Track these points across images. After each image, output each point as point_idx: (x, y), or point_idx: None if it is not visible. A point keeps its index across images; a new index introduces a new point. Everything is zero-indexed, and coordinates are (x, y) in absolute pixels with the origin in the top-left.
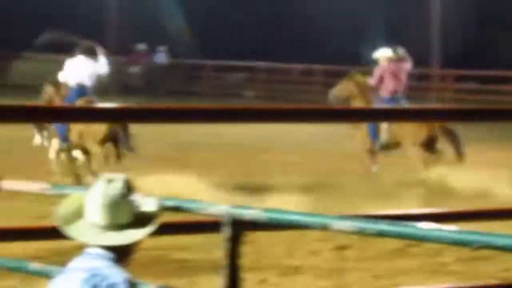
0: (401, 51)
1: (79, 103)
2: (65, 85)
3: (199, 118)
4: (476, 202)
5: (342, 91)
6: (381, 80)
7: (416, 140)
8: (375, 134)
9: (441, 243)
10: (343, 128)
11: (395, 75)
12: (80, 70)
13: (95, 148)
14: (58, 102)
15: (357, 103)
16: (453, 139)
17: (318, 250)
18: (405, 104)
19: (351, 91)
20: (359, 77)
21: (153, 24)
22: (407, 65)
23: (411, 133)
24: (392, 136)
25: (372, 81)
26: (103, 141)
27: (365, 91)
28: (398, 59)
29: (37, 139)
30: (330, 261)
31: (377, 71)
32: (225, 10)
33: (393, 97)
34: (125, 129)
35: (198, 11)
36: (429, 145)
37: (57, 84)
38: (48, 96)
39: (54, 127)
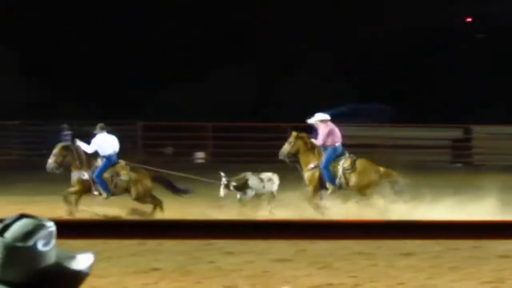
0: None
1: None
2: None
3: None
4: None
5: (292, 148)
6: (326, 137)
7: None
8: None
9: None
10: None
11: (332, 132)
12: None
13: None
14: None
15: (305, 157)
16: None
17: None
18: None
19: (299, 148)
20: (304, 136)
21: None
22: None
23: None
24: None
25: (319, 141)
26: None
27: (312, 147)
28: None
29: None
30: None
31: (322, 131)
32: None
33: (336, 148)
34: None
35: None
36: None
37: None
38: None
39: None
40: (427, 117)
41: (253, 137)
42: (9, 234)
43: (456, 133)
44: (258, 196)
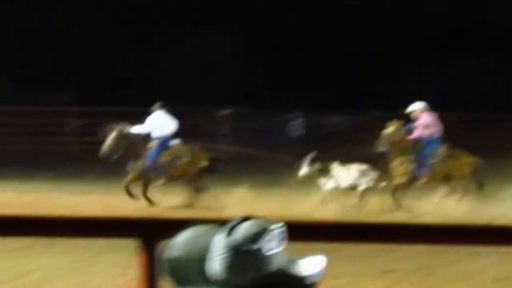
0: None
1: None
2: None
3: None
4: None
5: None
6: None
7: None
8: None
9: None
10: None
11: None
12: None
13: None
14: None
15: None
16: None
17: None
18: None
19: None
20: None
21: None
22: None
23: None
24: None
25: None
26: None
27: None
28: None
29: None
30: None
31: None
32: None
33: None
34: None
35: None
36: None
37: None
38: None
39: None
40: None
41: None
42: (235, 236)
43: None
44: (352, 189)
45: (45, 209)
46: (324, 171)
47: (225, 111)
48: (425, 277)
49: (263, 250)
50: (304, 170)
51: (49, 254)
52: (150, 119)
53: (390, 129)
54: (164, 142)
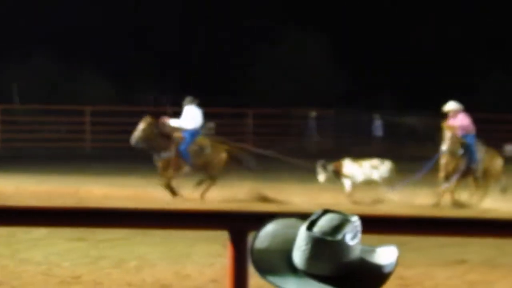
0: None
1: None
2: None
3: None
4: None
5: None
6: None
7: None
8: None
9: None
10: None
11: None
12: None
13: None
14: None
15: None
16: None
17: None
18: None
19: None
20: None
21: None
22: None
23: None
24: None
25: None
26: (226, 166)
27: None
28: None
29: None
30: None
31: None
32: None
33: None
34: (245, 151)
35: None
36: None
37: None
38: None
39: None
40: None
41: None
42: (317, 228)
43: None
44: (367, 183)
45: (142, 202)
46: (339, 172)
47: (315, 112)
48: (494, 267)
49: (344, 241)
50: (321, 176)
51: (146, 244)
52: (185, 113)
53: (448, 132)
54: (194, 134)
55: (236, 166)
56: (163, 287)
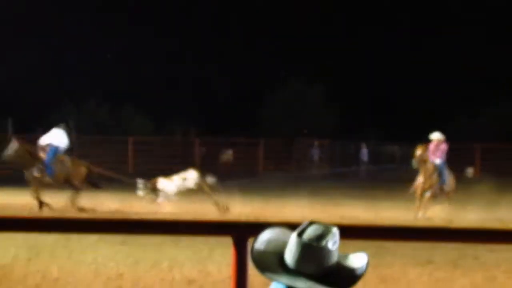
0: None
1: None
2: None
3: None
4: None
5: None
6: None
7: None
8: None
9: None
10: None
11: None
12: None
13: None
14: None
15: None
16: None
17: None
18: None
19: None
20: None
21: None
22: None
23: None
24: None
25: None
26: (85, 179)
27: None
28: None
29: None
30: None
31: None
32: None
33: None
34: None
35: None
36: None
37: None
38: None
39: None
40: None
41: None
42: (306, 236)
43: None
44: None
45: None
46: (155, 188)
47: (314, 141)
48: (454, 267)
49: (327, 247)
50: (140, 192)
51: (175, 248)
52: (49, 133)
53: (419, 151)
54: (56, 151)
55: (90, 184)
56: (190, 282)
